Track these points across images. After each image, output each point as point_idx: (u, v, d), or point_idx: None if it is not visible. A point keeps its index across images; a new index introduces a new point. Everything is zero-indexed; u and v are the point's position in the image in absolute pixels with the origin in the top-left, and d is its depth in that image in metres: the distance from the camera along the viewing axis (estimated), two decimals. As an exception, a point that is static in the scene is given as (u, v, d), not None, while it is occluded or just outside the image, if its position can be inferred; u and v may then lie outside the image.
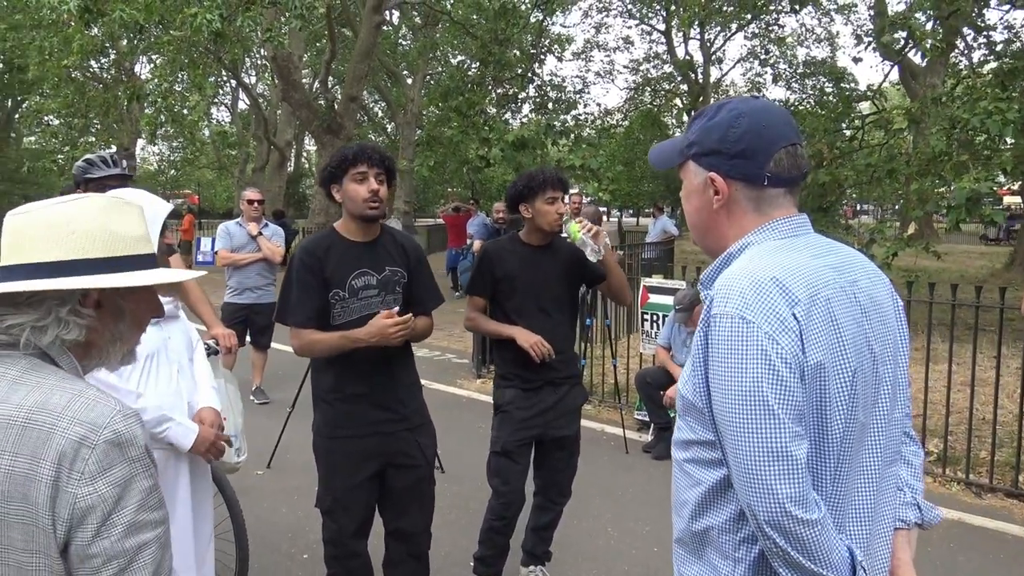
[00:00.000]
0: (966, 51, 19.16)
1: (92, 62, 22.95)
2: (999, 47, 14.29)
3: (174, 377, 2.82)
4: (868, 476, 1.44)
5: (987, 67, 12.72)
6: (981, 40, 17.06)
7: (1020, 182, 10.77)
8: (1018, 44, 16.35)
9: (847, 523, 1.41)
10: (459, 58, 26.62)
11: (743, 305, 1.34)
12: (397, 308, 2.96)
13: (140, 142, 29.01)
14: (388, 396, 3.04)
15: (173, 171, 37.77)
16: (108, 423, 1.22)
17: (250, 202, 7.06)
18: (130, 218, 1.40)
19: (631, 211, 46.14)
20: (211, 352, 3.89)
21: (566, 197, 3.51)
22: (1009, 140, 8.86)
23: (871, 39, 15.86)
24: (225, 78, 27.91)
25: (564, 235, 3.50)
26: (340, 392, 3.02)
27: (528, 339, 3.42)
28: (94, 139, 26.19)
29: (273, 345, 7.36)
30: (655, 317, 6.80)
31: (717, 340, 1.37)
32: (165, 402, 2.70)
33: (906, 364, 1.52)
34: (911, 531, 1.58)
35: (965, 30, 15.57)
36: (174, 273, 1.51)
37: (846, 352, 1.36)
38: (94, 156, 4.40)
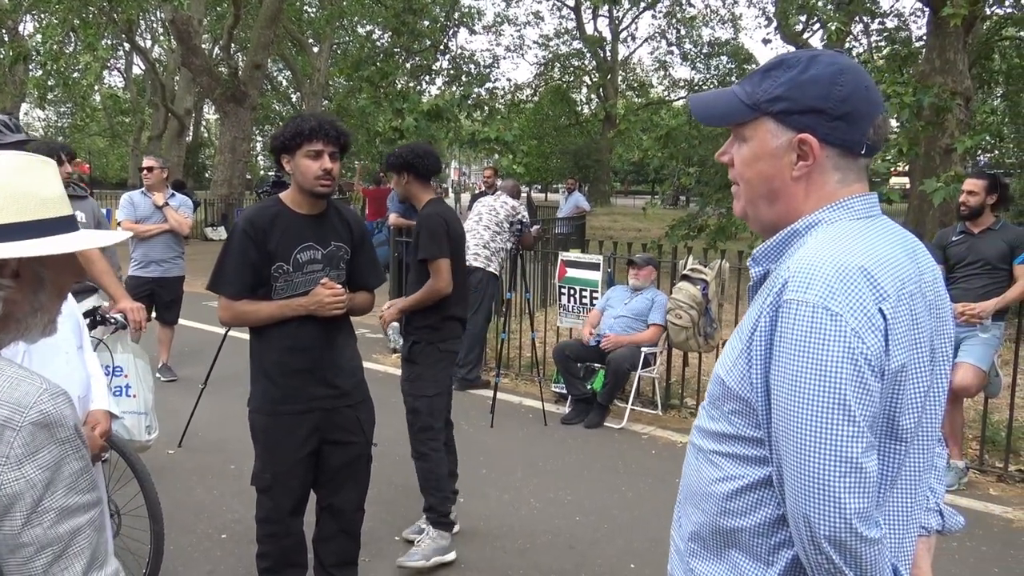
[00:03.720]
0: (859, 36, 19.99)
1: (-31, 19, 21.39)
2: (887, 34, 14.97)
3: (60, 369, 2.58)
4: (907, 484, 1.32)
5: (882, 52, 13.31)
6: (875, 26, 17.84)
7: (909, 163, 11.32)
8: (907, 32, 17.17)
9: (888, 533, 1.30)
10: (367, 28, 26.07)
11: (828, 295, 1.19)
12: (326, 280, 2.93)
13: (24, 106, 27.29)
14: (331, 372, 3.01)
15: (61, 138, 35.77)
16: (34, 403, 1.13)
17: (141, 169, 6.72)
18: (46, 176, 1.28)
19: (539, 186, 46.44)
20: (119, 327, 3.70)
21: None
22: (894, 123, 9.30)
23: (775, 20, 16.35)
24: (118, 41, 26.52)
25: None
26: (284, 367, 2.95)
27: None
28: (-27, 102, 24.47)
29: (180, 321, 7.09)
30: (572, 291, 6.86)
31: (792, 331, 1.21)
32: None
33: (950, 361, 1.38)
34: (931, 538, 1.49)
35: (860, 15, 16.21)
36: (100, 236, 1.40)
37: (923, 356, 1.25)
38: None
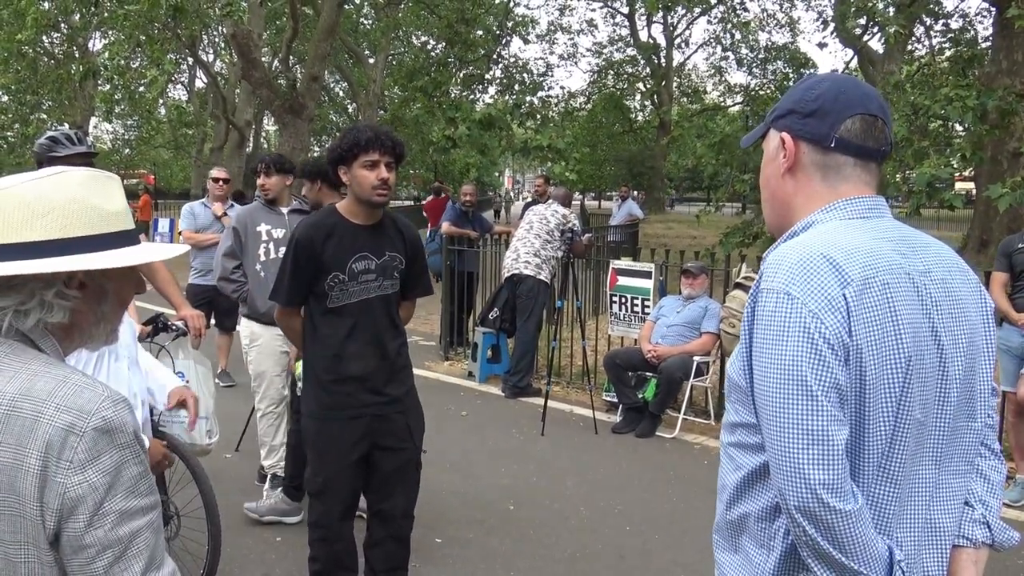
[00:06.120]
0: (922, 38, 19.48)
1: (44, 37, 22.24)
2: (951, 35, 14.55)
3: (125, 373, 2.70)
4: (923, 482, 1.35)
5: (944, 54, 12.95)
6: (938, 28, 17.38)
7: (974, 168, 10.99)
8: (972, 32, 16.68)
9: (895, 528, 1.34)
10: (422, 39, 26.36)
11: (789, 281, 1.29)
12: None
13: (93, 120, 28.27)
14: (382, 379, 3.05)
15: (128, 150, 36.93)
16: (96, 410, 1.18)
17: (215, 180, 6.96)
18: (111, 192, 1.34)
19: (592, 194, 46.29)
20: (179, 334, 3.82)
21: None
22: (959, 127, 9.05)
23: (833, 23, 16.04)
24: (182, 56, 27.30)
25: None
26: (335, 374, 3.01)
27: None
28: (46, 116, 25.43)
29: (238, 327, 7.24)
30: (624, 299, 6.83)
31: (761, 316, 1.32)
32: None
33: (990, 370, 1.41)
34: (978, 551, 1.46)
35: (923, 17, 15.81)
36: (162, 249, 1.46)
37: (900, 341, 1.28)
38: (57, 133, 4.24)
